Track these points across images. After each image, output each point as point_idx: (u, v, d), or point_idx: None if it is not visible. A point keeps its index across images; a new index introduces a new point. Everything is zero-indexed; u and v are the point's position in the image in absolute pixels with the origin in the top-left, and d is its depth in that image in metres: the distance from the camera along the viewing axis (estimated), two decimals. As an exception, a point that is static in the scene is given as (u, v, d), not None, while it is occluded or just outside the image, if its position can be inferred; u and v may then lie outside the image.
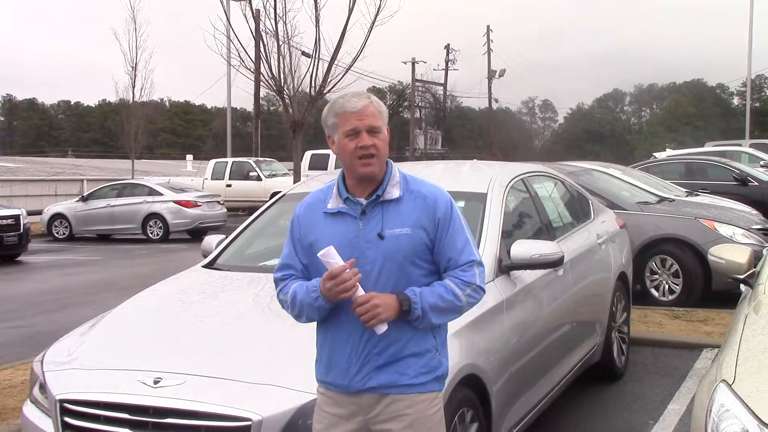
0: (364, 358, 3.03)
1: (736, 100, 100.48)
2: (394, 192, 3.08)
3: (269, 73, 21.08)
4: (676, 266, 10.29)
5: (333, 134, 3.11)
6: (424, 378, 3.07)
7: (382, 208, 3.06)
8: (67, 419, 3.96)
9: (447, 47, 65.12)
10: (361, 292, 2.93)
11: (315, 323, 3.19)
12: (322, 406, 3.17)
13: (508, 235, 5.38)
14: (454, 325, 3.61)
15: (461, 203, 5.21)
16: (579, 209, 7.35)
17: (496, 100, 69.82)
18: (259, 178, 30.03)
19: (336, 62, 20.75)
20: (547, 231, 6.16)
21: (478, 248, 4.92)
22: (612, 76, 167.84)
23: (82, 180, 36.27)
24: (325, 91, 21.05)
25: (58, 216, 24.59)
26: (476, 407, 4.26)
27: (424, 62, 63.00)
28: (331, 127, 3.10)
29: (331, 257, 2.92)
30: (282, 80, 21.01)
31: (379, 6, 19.84)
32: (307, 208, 3.21)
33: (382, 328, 2.95)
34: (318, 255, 2.96)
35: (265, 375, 3.83)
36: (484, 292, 3.14)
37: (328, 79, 20.76)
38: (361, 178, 3.06)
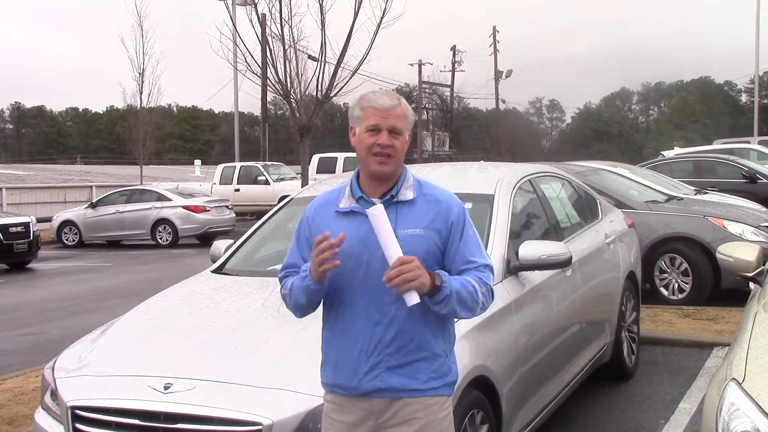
0: (376, 357, 3.01)
1: (744, 97, 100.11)
2: (407, 194, 3.08)
3: (276, 77, 21.12)
4: (685, 265, 10.26)
5: (355, 126, 3.11)
6: (435, 383, 3.06)
7: (396, 209, 3.05)
8: (79, 426, 3.98)
9: (453, 48, 65.22)
10: (400, 252, 2.87)
11: (322, 325, 3.19)
12: (330, 413, 3.15)
13: (516, 236, 5.38)
14: (463, 327, 3.62)
15: (469, 205, 5.20)
16: (587, 209, 7.35)
17: (504, 101, 69.95)
18: (267, 183, 30.05)
19: (342, 65, 20.79)
20: (555, 231, 6.16)
21: (486, 249, 4.96)
22: (619, 75, 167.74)
23: (91, 187, 36.39)
24: (331, 95, 21.09)
25: (67, 223, 24.64)
26: (486, 409, 4.26)
27: (431, 64, 63.10)
28: (356, 119, 3.11)
29: (379, 211, 2.88)
30: (289, 84, 21.05)
31: (385, 8, 19.88)
32: (318, 208, 3.20)
33: (414, 299, 2.87)
34: (367, 210, 2.92)
35: (274, 379, 3.84)
36: (494, 297, 3.15)
37: (335, 83, 20.80)
38: (374, 175, 3.06)
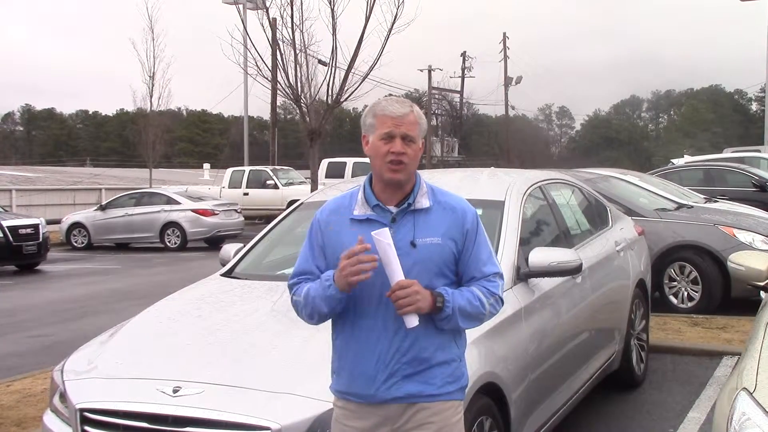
0: (393, 366, 3.02)
1: (754, 106, 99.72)
2: (424, 202, 3.09)
3: (286, 81, 21.13)
4: (695, 273, 10.24)
5: (369, 135, 3.11)
6: (450, 387, 3.08)
7: (414, 217, 3.06)
8: (87, 428, 3.98)
9: (463, 54, 65.27)
10: (402, 276, 2.91)
11: (333, 333, 3.18)
12: (342, 419, 3.14)
13: (525, 243, 5.37)
14: (472, 333, 3.62)
15: (479, 211, 5.18)
16: (597, 216, 7.33)
17: (513, 107, 69.87)
18: (276, 187, 30.07)
19: (353, 70, 20.80)
20: (565, 238, 6.15)
21: (496, 255, 4.95)
22: (629, 83, 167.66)
23: (100, 189, 36.50)
24: (342, 100, 21.10)
25: (76, 225, 24.70)
26: (495, 415, 4.25)
27: (441, 70, 63.31)
28: (368, 128, 3.11)
29: (385, 236, 2.89)
30: (299, 89, 21.06)
31: (396, 14, 19.87)
32: (330, 214, 3.18)
33: (413, 321, 2.92)
34: (372, 233, 2.91)
35: (283, 384, 3.84)
36: (503, 304, 3.17)
37: (345, 88, 20.81)
38: (388, 182, 3.06)
